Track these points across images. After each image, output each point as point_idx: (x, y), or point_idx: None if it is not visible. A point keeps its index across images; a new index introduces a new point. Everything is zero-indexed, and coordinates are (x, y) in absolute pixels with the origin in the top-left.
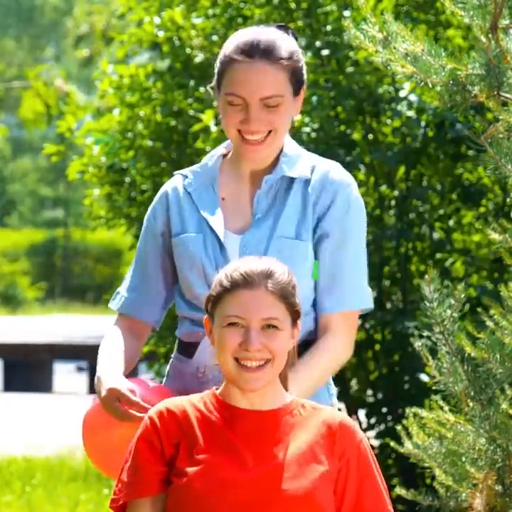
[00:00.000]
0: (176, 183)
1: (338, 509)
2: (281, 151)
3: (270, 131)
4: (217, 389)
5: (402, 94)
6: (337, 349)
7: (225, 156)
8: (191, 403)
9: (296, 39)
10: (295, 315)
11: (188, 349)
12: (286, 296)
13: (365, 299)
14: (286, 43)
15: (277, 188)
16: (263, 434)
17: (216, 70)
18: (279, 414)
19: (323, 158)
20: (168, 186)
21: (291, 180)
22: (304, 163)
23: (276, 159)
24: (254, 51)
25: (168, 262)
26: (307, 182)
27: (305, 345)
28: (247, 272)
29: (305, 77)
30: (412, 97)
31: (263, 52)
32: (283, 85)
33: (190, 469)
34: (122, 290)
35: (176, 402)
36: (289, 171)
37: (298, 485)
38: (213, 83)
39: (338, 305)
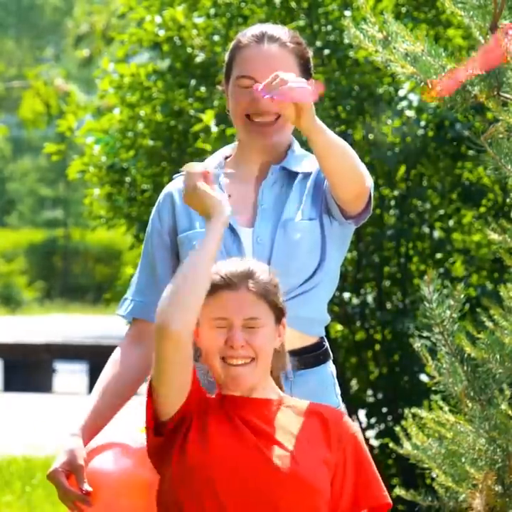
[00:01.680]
0: (179, 183)
1: (337, 499)
2: (290, 147)
3: (279, 117)
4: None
5: (401, 93)
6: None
7: (226, 158)
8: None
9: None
10: (278, 313)
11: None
12: (267, 295)
13: None
14: (291, 33)
15: (282, 182)
16: (258, 418)
17: (225, 62)
18: (272, 402)
19: None
20: (172, 187)
21: (295, 174)
22: (309, 161)
23: (284, 154)
24: (263, 37)
25: (176, 262)
26: (307, 175)
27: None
28: (227, 274)
29: (312, 70)
30: (412, 96)
31: (272, 39)
32: (292, 67)
33: (199, 446)
34: (130, 295)
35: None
36: (294, 166)
37: (295, 468)
38: (222, 80)
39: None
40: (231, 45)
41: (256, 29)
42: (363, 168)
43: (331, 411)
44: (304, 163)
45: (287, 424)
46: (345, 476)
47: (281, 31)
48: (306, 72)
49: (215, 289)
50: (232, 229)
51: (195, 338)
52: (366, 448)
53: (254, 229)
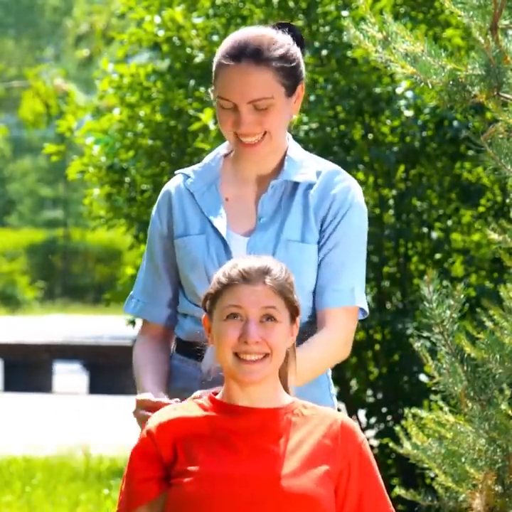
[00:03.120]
0: (178, 182)
1: (340, 509)
2: (286, 154)
3: (265, 133)
4: (215, 394)
5: (398, 91)
6: (335, 344)
7: (226, 155)
8: (186, 407)
9: (299, 35)
10: (293, 311)
11: (189, 349)
12: (283, 291)
13: (364, 300)
14: (276, 44)
15: (282, 192)
16: (263, 431)
17: (212, 70)
18: (279, 412)
19: (327, 162)
20: (170, 186)
21: (296, 184)
22: (308, 167)
23: (281, 163)
24: (241, 54)
25: (175, 263)
26: (310, 186)
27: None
28: (245, 269)
29: (303, 75)
30: (409, 95)
31: (250, 55)
32: (272, 87)
33: (188, 468)
34: (137, 294)
35: (170, 409)
36: (294, 175)
37: (298, 483)
38: (212, 86)
39: (341, 300)
40: (216, 54)
41: (237, 41)
42: (343, 350)
43: (340, 421)
44: (304, 170)
45: (292, 436)
46: (349, 486)
47: (261, 45)
48: (291, 88)
49: (231, 283)
50: (221, 238)
51: (206, 334)
52: (373, 459)
53: (250, 239)
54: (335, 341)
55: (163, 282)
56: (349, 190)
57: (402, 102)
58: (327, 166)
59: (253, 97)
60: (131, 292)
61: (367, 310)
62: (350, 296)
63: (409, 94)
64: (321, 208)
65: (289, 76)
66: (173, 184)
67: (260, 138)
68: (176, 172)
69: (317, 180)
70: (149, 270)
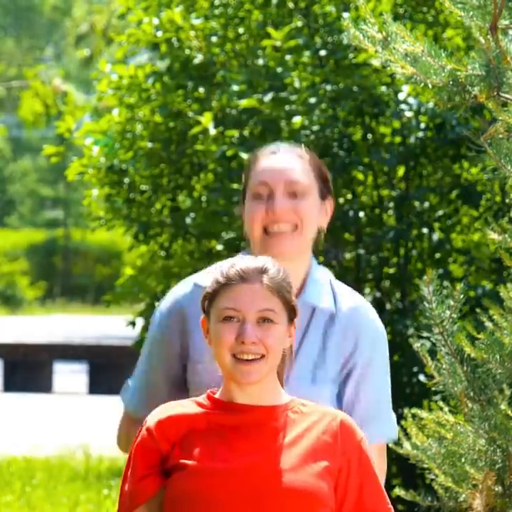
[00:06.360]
0: (193, 297)
1: (339, 507)
2: (308, 273)
3: (297, 226)
4: (213, 393)
5: (401, 96)
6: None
7: None
8: (185, 405)
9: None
10: (291, 312)
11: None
12: (281, 291)
13: (392, 429)
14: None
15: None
16: (261, 428)
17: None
18: (278, 409)
19: (343, 287)
20: (183, 299)
21: (314, 308)
22: (327, 292)
23: (303, 282)
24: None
25: (179, 370)
26: (332, 317)
27: None
28: (242, 269)
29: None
30: (411, 100)
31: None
32: (308, 176)
33: (187, 463)
34: (132, 383)
35: (169, 407)
36: (314, 298)
37: (297, 477)
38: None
39: (371, 438)
40: (249, 167)
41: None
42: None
43: (340, 418)
44: (324, 295)
45: (290, 432)
46: (349, 483)
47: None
48: (324, 186)
49: (229, 282)
50: None
51: (204, 336)
52: (372, 456)
53: None
54: None
55: (158, 388)
56: (371, 322)
57: (403, 105)
58: (343, 292)
59: (291, 179)
60: (130, 381)
61: (395, 435)
62: (382, 431)
63: (411, 100)
64: (342, 347)
65: (325, 181)
66: (186, 299)
67: (291, 229)
68: (187, 280)
69: (336, 311)
70: (146, 371)
